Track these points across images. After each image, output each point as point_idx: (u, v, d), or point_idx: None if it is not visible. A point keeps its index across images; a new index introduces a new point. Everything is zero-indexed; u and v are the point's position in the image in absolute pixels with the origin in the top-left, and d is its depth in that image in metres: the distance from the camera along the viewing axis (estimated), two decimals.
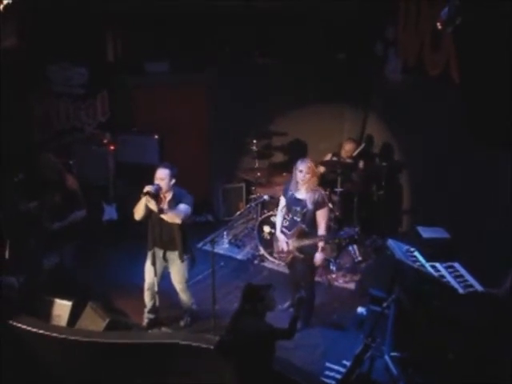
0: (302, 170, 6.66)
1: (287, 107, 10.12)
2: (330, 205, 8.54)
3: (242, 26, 9.49)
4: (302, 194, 6.77)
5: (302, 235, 6.76)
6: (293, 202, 6.81)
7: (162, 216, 6.41)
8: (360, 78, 9.56)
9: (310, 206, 6.66)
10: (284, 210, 7.01)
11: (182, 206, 6.47)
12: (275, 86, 9.90)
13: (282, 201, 7.08)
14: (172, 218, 6.42)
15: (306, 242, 6.72)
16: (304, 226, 6.72)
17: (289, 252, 6.89)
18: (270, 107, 10.13)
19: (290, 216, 6.84)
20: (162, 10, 9.21)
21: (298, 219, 6.74)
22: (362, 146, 9.29)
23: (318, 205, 6.68)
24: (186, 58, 9.81)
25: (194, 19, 9.29)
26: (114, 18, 9.44)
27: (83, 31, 9.09)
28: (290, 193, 6.85)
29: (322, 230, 6.71)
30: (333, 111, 10.09)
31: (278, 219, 7.10)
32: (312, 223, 6.74)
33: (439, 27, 5.83)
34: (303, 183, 6.70)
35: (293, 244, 6.81)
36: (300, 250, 6.78)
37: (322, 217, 6.72)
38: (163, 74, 10.02)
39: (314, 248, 6.74)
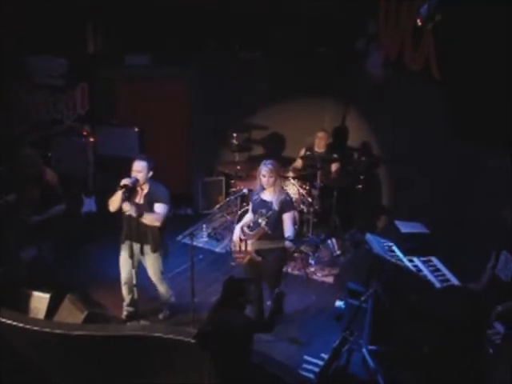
0: (265, 175, 6.37)
1: (267, 101, 10.14)
2: (310, 199, 8.58)
3: (223, 20, 9.48)
4: (267, 195, 6.50)
5: (263, 238, 6.39)
6: (258, 205, 6.51)
7: (142, 220, 6.41)
8: (341, 72, 9.59)
9: (276, 207, 6.36)
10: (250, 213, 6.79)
11: (159, 207, 6.46)
12: (255, 80, 9.92)
13: (250, 206, 6.84)
14: (151, 221, 6.44)
15: (268, 245, 6.36)
16: (267, 229, 6.36)
17: (247, 253, 6.53)
18: (250, 101, 10.15)
19: (255, 218, 6.52)
20: (144, 2, 9.18)
21: (263, 222, 6.38)
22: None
23: (284, 206, 6.39)
24: (167, 52, 9.79)
25: (176, 12, 9.26)
26: (94, 9, 9.38)
27: (63, 22, 9.01)
28: (256, 195, 6.58)
29: (289, 231, 6.35)
30: (313, 105, 10.10)
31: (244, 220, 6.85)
32: (276, 226, 6.38)
33: (419, 24, 5.88)
34: (268, 187, 6.45)
35: (252, 245, 6.45)
36: (258, 252, 6.43)
37: (289, 218, 6.40)
38: (144, 66, 10.00)
39: (273, 252, 6.41)
